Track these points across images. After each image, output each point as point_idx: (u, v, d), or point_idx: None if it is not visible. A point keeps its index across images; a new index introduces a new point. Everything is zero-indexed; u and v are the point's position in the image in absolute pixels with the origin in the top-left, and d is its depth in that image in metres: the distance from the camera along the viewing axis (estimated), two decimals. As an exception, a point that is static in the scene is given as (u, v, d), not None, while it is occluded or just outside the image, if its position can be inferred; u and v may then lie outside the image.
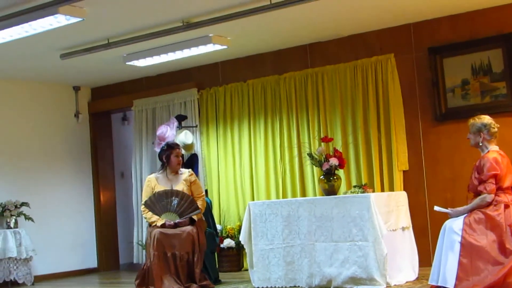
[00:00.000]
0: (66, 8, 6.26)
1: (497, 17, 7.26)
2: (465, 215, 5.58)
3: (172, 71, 9.52)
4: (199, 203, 7.28)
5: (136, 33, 7.44)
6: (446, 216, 5.82)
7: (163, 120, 9.30)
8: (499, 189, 5.54)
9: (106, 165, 10.45)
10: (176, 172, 7.39)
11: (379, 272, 6.14)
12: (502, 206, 5.50)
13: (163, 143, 7.48)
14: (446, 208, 5.83)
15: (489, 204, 5.53)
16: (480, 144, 5.70)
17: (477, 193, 5.61)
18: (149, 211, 7.22)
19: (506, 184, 5.57)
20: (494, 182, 5.52)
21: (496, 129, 5.70)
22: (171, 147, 7.37)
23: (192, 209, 7.17)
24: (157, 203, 7.22)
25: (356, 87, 8.06)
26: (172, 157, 7.33)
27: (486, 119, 5.73)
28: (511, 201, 5.54)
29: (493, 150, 5.65)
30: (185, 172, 7.43)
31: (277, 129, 8.63)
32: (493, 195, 5.52)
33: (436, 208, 5.89)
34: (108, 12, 6.70)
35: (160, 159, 7.45)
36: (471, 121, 5.77)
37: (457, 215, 5.67)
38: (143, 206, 7.30)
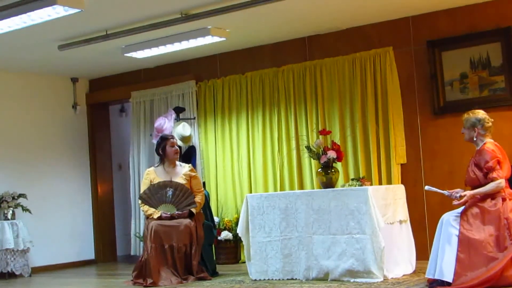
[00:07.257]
0: (64, -1, 6.25)
1: (496, 11, 7.25)
2: (462, 208, 5.57)
3: (170, 63, 9.50)
4: (198, 197, 7.30)
5: (134, 24, 7.42)
6: (444, 210, 5.82)
7: (161, 112, 9.31)
8: None
9: (103, 156, 10.44)
10: (174, 164, 7.41)
11: (376, 265, 6.14)
12: (500, 199, 5.49)
13: (158, 137, 7.54)
14: (442, 190, 5.80)
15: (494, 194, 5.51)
16: (475, 139, 5.69)
17: (476, 187, 5.59)
18: (146, 204, 7.24)
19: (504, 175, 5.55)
20: (500, 167, 5.51)
21: (490, 124, 5.68)
22: (165, 138, 7.44)
23: (188, 200, 7.18)
24: (153, 195, 7.24)
25: (354, 80, 8.04)
26: (167, 148, 7.38)
27: (481, 114, 5.71)
28: (508, 194, 5.53)
29: (489, 142, 5.64)
30: (185, 166, 7.47)
31: (275, 122, 8.62)
32: (504, 180, 5.50)
33: (427, 187, 5.89)
34: (107, 3, 6.68)
35: (157, 153, 7.52)
36: (465, 116, 5.75)
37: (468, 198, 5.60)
38: (140, 201, 7.33)
